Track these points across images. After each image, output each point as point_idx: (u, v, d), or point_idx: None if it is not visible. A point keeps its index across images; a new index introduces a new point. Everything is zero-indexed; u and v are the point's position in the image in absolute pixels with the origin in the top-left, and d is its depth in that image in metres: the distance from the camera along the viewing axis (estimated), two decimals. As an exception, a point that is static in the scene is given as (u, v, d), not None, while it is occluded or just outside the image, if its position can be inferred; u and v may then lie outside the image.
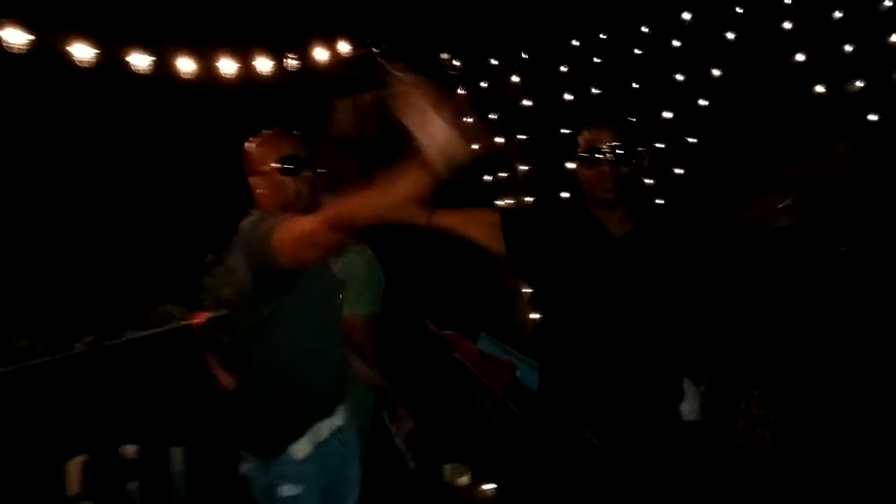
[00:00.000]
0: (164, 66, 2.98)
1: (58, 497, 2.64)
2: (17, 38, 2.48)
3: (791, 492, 2.67)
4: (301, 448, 2.10)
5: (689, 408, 2.98)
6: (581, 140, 2.08)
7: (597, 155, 2.02)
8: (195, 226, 4.00)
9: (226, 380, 3.11)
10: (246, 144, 2.08)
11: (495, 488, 3.56)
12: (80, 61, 2.68)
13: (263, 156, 2.10)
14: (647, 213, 2.13)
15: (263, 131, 2.10)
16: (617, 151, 2.02)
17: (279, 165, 2.06)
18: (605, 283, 2.12)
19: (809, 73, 3.60)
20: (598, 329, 2.13)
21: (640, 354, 2.12)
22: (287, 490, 2.05)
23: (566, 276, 2.21)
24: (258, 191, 2.09)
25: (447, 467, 4.01)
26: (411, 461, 3.42)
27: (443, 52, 4.46)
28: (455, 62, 4.44)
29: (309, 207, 2.12)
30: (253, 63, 3.40)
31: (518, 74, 4.35)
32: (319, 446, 2.14)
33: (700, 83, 3.80)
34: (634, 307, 2.09)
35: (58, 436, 2.62)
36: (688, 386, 2.97)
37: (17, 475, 2.52)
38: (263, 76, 3.59)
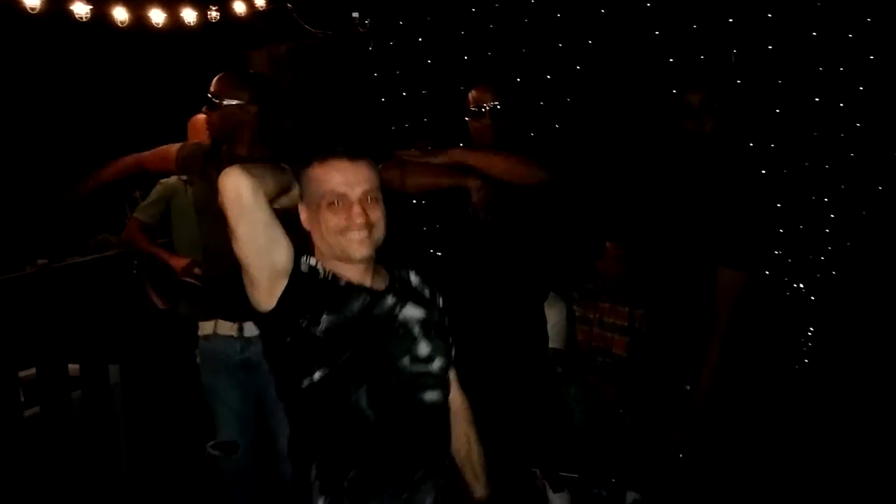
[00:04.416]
0: (100, 14, 3.23)
1: (10, 404, 2.93)
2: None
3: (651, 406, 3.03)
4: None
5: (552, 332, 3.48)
6: (469, 98, 2.62)
7: (482, 110, 2.56)
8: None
9: (158, 301, 3.48)
10: None
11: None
12: (32, 9, 2.90)
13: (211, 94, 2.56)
14: None
15: None
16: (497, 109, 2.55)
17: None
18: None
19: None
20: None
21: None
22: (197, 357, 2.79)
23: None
24: None
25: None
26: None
27: (354, 10, 4.78)
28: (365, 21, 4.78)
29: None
30: (179, 13, 3.65)
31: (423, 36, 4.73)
32: None
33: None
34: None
35: (10, 349, 2.89)
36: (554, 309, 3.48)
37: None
38: (188, 26, 3.85)
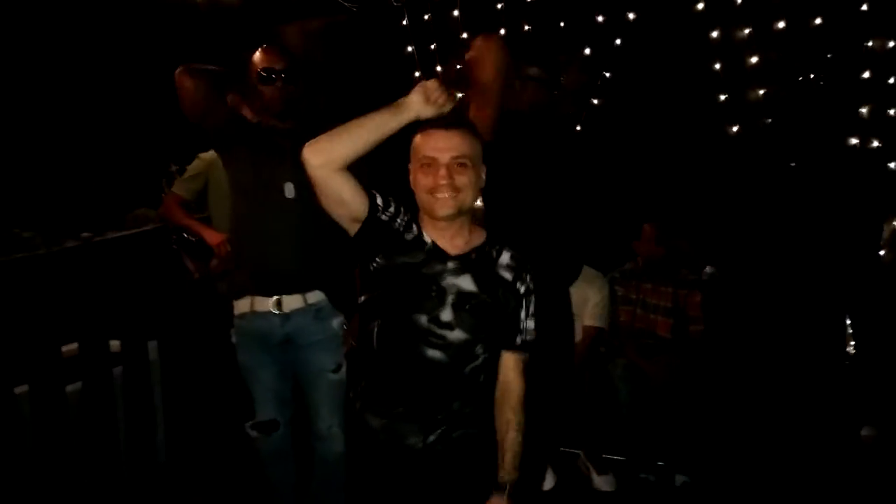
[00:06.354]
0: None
1: (53, 377, 2.93)
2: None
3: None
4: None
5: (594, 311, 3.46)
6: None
7: None
8: (160, 138, 4.22)
9: (193, 267, 3.45)
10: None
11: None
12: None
13: (251, 67, 2.49)
14: None
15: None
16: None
17: (259, 75, 2.46)
18: None
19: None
20: None
21: None
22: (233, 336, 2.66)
23: None
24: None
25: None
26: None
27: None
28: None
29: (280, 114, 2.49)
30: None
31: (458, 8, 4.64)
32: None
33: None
34: None
35: (53, 323, 2.88)
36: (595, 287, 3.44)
37: (17, 357, 2.78)
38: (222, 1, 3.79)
